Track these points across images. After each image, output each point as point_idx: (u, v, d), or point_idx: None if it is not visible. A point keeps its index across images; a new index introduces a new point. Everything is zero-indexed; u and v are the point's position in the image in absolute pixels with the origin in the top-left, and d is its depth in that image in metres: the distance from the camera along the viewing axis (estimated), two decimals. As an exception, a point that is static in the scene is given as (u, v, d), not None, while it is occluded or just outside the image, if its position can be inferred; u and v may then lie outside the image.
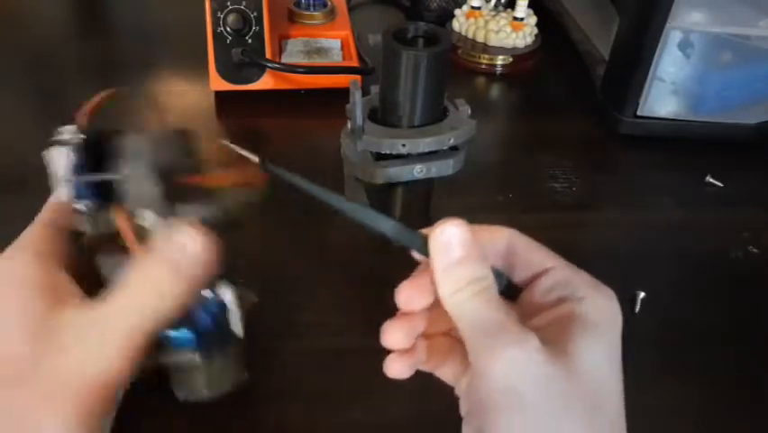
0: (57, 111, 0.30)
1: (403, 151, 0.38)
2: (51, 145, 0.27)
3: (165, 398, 0.30)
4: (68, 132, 0.28)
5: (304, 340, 0.41)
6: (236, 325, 0.29)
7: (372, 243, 0.47)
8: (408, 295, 0.27)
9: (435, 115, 0.39)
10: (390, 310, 0.27)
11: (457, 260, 0.25)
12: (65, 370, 0.25)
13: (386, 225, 0.26)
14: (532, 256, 0.27)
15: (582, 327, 0.24)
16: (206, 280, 0.28)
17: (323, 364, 0.39)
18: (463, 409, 0.29)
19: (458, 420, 0.28)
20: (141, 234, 0.28)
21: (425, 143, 0.38)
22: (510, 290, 0.27)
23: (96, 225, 0.28)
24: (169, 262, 0.27)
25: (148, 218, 0.28)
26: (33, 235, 0.29)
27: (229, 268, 0.29)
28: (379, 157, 0.39)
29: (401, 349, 0.28)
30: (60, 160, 0.27)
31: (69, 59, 0.70)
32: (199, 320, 0.28)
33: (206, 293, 0.28)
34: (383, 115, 0.39)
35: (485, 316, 0.24)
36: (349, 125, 0.40)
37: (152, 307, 0.26)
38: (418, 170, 0.39)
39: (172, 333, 0.28)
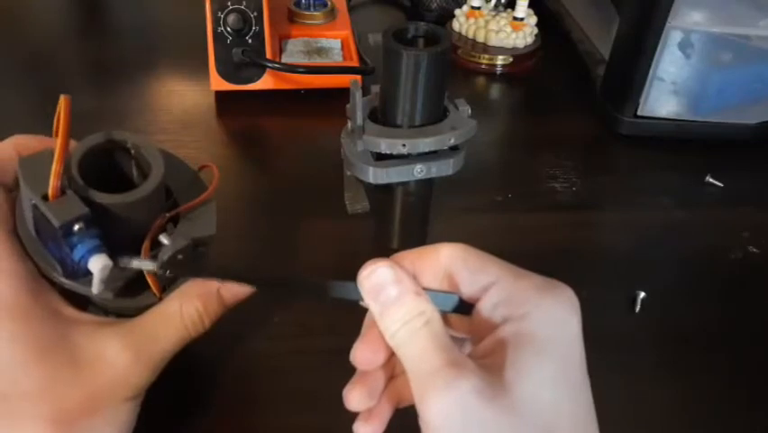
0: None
1: (403, 151, 0.38)
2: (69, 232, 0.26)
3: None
4: (71, 213, 0.26)
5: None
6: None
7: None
8: (362, 355, 0.26)
9: (435, 115, 0.39)
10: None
11: (392, 300, 0.24)
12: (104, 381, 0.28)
13: (321, 289, 0.26)
14: (476, 271, 0.25)
15: (523, 350, 0.23)
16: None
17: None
18: None
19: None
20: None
21: (425, 143, 0.38)
22: (464, 307, 0.26)
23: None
24: (201, 301, 0.30)
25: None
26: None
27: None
28: (379, 157, 0.39)
29: (367, 408, 0.27)
30: (103, 271, 0.27)
31: (69, 59, 0.70)
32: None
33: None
34: (383, 115, 0.39)
35: (422, 356, 0.23)
36: (349, 125, 0.40)
37: (181, 336, 0.30)
38: (418, 170, 0.39)
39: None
